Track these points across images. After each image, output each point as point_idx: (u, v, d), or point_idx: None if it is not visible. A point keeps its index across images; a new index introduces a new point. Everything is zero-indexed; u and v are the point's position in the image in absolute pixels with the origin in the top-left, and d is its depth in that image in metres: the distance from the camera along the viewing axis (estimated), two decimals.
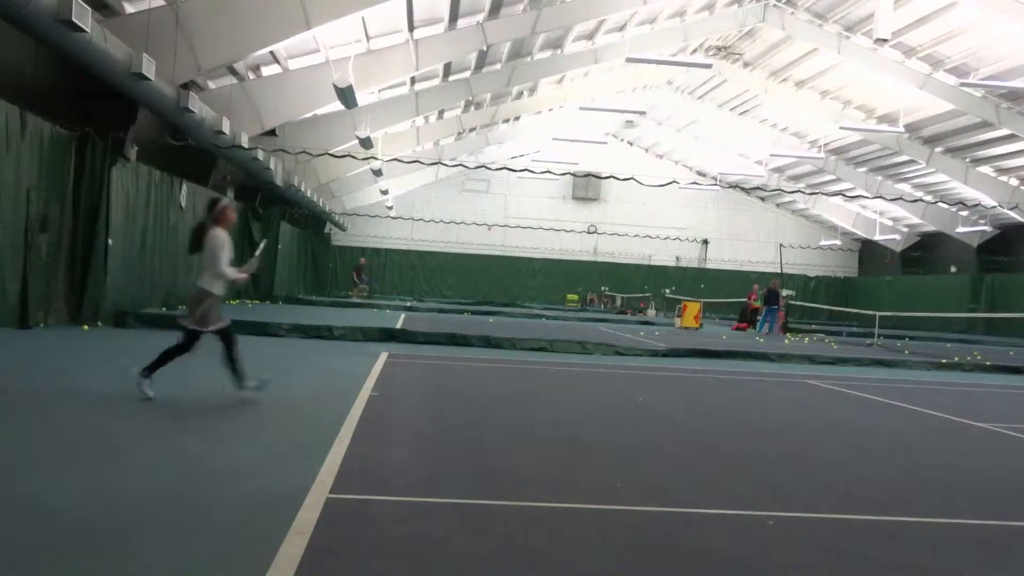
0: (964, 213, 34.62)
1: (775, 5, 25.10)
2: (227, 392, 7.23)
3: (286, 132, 23.12)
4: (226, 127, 17.23)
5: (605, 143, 40.87)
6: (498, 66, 26.19)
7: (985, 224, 35.00)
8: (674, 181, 29.44)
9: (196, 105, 15.35)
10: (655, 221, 45.65)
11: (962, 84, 23.55)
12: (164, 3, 14.72)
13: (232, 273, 7.03)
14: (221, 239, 6.90)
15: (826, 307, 34.92)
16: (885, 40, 17.70)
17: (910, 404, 10.07)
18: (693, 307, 27.45)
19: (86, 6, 10.88)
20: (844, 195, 39.15)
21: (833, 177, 37.53)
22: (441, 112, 30.87)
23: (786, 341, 21.91)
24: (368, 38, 20.25)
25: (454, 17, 20.54)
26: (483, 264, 44.63)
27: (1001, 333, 31.78)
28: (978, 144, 29.09)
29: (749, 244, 46.37)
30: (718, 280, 44.17)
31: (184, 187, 19.20)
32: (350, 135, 24.28)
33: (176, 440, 5.56)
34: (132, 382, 6.90)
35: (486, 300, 40.62)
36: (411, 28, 20.19)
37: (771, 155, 35.60)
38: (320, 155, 23.89)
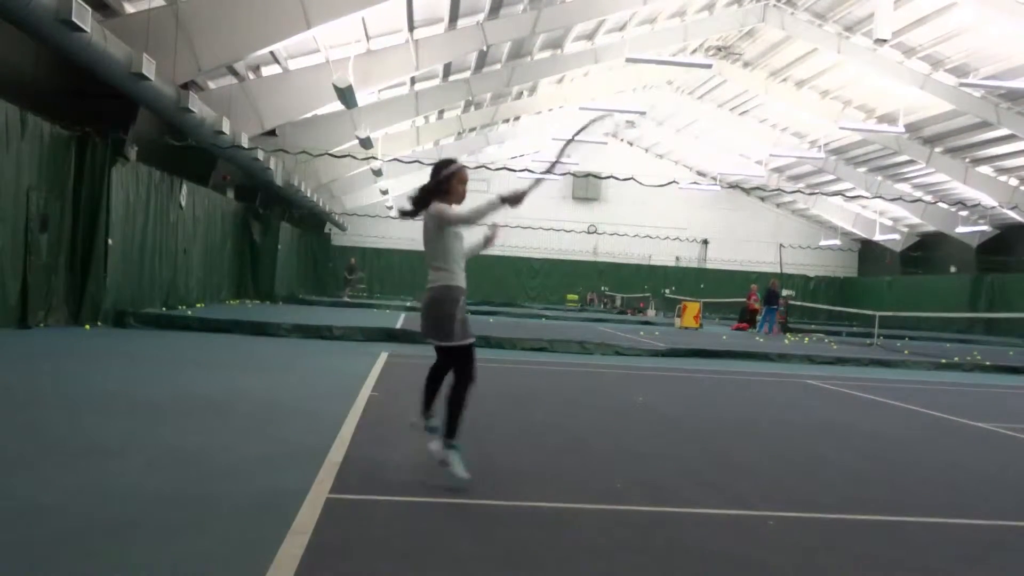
0: (964, 213, 34.61)
1: (775, 5, 25.10)
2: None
3: (286, 132, 23.11)
4: (226, 127, 17.22)
5: (605, 143, 40.86)
6: (498, 66, 26.19)
7: (985, 224, 34.99)
8: (674, 181, 29.43)
9: (196, 105, 15.34)
10: (655, 221, 45.65)
11: (962, 84, 23.53)
12: (164, 3, 14.72)
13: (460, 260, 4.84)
14: (442, 211, 4.72)
15: (826, 307, 34.90)
16: (885, 40, 17.68)
17: (910, 404, 10.07)
18: (693, 307, 27.45)
19: (86, 6, 10.88)
20: (844, 195, 39.16)
21: (833, 177, 37.53)
22: (441, 112, 30.86)
23: (786, 341, 21.90)
24: (368, 38, 20.25)
25: (454, 17, 20.54)
26: (483, 264, 44.52)
27: (1001, 333, 31.77)
28: (978, 144, 29.08)
29: (749, 244, 46.36)
30: (718, 280, 44.15)
31: (184, 187, 19.20)
32: (350, 135, 24.27)
33: (175, 440, 5.56)
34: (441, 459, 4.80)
35: (486, 300, 40.61)
36: (411, 28, 20.19)
37: (771, 155, 35.60)
38: (320, 155, 23.89)
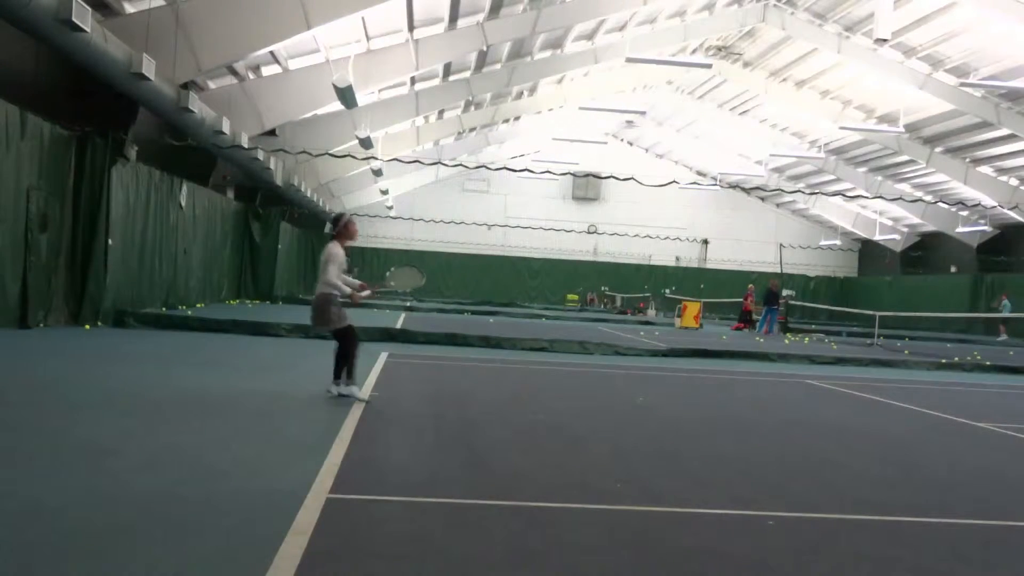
0: (964, 213, 34.61)
1: (775, 5, 25.09)
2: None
3: (286, 132, 23.10)
4: (226, 127, 17.22)
5: (605, 143, 40.85)
6: (498, 66, 26.18)
7: (985, 224, 34.99)
8: (674, 181, 29.41)
9: (196, 105, 15.34)
10: (655, 221, 45.64)
11: (962, 84, 23.53)
12: (164, 3, 14.72)
13: (339, 284, 7.55)
14: (330, 252, 7.54)
15: (826, 307, 34.89)
16: (885, 40, 17.67)
17: (910, 404, 10.07)
18: (693, 307, 27.46)
19: (86, 6, 10.88)
20: (844, 195, 39.14)
21: (833, 177, 37.52)
22: (441, 112, 30.85)
23: (786, 341, 21.90)
24: (368, 38, 20.24)
25: (454, 17, 20.53)
26: (483, 264, 44.62)
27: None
28: (978, 144, 29.07)
29: (749, 244, 46.35)
30: (718, 280, 44.14)
31: (184, 187, 19.20)
32: (350, 135, 24.27)
33: (176, 440, 5.56)
34: (335, 394, 7.59)
35: (486, 300, 40.63)
36: (411, 28, 20.18)
37: (771, 155, 35.59)
38: (320, 155, 23.88)
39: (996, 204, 30.20)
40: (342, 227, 7.63)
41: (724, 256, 46.37)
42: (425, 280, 8.33)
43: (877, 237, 42.47)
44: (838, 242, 45.69)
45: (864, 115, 29.72)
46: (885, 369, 15.52)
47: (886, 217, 42.08)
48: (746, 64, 30.33)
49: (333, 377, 7.65)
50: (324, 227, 41.41)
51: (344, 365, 7.59)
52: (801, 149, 35.34)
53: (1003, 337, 30.18)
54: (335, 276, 7.49)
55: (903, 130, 27.22)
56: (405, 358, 12.07)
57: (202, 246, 21.46)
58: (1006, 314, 29.43)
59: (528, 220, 44.91)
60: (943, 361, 16.68)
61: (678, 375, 12.37)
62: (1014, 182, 30.68)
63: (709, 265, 46.35)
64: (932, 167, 31.39)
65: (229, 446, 5.52)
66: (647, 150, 45.39)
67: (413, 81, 25.01)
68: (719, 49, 30.09)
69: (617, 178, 26.94)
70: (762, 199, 45.08)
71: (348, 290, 7.63)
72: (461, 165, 33.20)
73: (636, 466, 5.71)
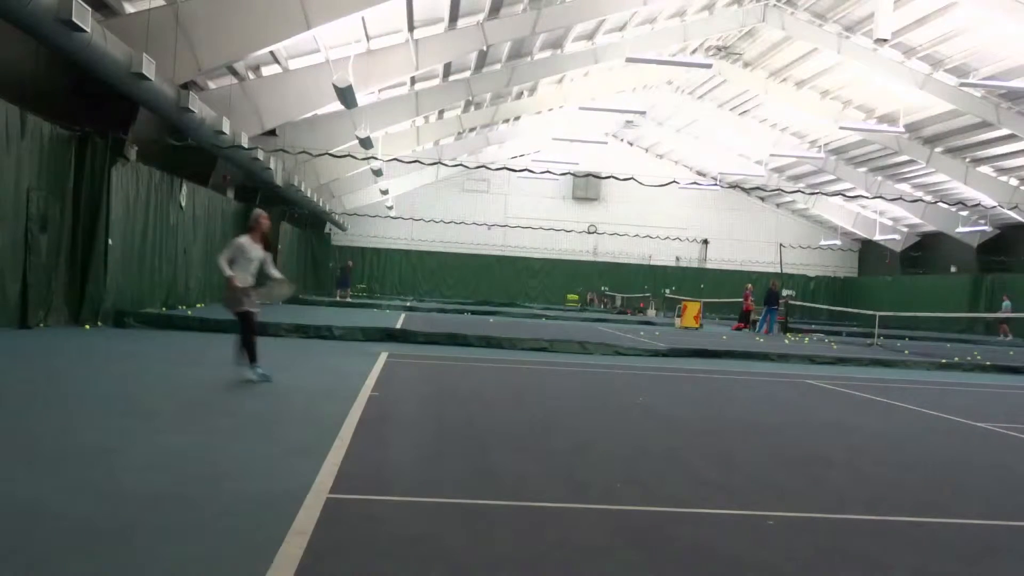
0: (964, 213, 34.60)
1: (775, 5, 25.09)
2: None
3: (286, 132, 23.10)
4: (226, 127, 17.21)
5: (605, 143, 40.84)
6: (498, 66, 26.18)
7: (985, 224, 34.99)
8: (674, 181, 29.41)
9: (196, 105, 15.33)
10: (655, 221, 45.64)
11: (962, 84, 23.53)
12: (164, 3, 14.72)
13: (224, 267, 8.42)
14: (231, 243, 8.60)
15: (826, 307, 34.89)
16: (885, 40, 17.65)
17: (910, 404, 10.07)
18: (693, 307, 27.46)
19: (86, 6, 10.87)
20: (844, 195, 39.15)
21: (833, 177, 37.53)
22: (441, 112, 30.86)
23: (786, 341, 21.90)
24: (368, 38, 20.24)
25: (454, 17, 20.53)
26: (483, 264, 44.62)
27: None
28: (978, 144, 29.08)
29: (749, 244, 46.36)
30: (718, 280, 44.15)
31: (184, 187, 19.20)
32: (350, 135, 24.26)
33: (175, 440, 5.56)
34: (252, 379, 8.33)
35: (486, 300, 40.63)
36: (411, 28, 20.18)
37: (771, 155, 35.59)
38: (320, 155, 23.89)
39: (996, 204, 30.20)
40: (252, 222, 8.66)
41: (724, 256, 46.38)
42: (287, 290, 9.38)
43: (877, 237, 42.47)
44: (838, 242, 45.70)
45: (864, 115, 29.73)
46: (885, 369, 15.51)
47: (886, 217, 42.08)
48: (746, 64, 30.33)
49: (248, 362, 8.38)
50: (324, 227, 41.67)
51: (250, 350, 8.38)
52: (801, 149, 35.34)
53: (1001, 337, 30.22)
54: (222, 260, 8.44)
55: (903, 130, 27.23)
56: (405, 358, 12.07)
57: (202, 246, 21.46)
58: (1006, 314, 29.44)
59: (528, 220, 44.92)
60: (943, 361, 16.68)
61: (678, 375, 12.37)
62: (1014, 182, 30.68)
63: (709, 265, 46.35)
64: (932, 167, 31.40)
65: (229, 446, 5.52)
66: (647, 150, 45.39)
67: (413, 81, 25.01)
68: (719, 49, 30.09)
69: (617, 178, 26.93)
70: (762, 199, 45.08)
71: (230, 273, 8.34)
72: (461, 165, 33.21)
73: (636, 466, 5.71)
